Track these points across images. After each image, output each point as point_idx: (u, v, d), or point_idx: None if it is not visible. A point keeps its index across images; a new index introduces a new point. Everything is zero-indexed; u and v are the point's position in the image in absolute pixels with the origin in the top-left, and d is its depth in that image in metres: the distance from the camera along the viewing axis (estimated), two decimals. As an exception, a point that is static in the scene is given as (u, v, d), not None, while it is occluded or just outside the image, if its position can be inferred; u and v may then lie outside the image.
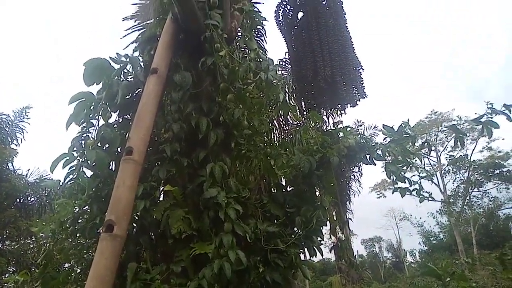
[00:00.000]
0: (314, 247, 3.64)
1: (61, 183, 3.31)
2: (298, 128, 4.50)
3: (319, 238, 3.72)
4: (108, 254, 2.35)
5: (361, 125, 20.02)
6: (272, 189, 3.97)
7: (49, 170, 2.86)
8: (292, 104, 3.77)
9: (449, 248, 33.95)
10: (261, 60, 3.71)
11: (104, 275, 2.27)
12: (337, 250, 24.81)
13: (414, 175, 3.76)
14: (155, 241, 3.24)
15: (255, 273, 3.17)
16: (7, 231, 12.78)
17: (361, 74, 4.47)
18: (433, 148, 32.99)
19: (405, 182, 3.58)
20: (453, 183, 33.13)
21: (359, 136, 3.81)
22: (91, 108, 3.19)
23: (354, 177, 24.40)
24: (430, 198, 4.03)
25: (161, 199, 3.53)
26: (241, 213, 3.31)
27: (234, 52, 3.73)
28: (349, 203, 25.63)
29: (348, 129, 3.94)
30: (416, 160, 3.75)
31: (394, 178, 3.63)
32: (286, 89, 5.17)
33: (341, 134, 3.83)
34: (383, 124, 3.95)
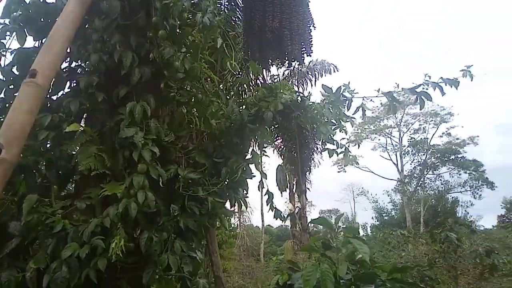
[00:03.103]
0: (238, 199, 3.61)
1: None
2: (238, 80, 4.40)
3: (244, 191, 3.69)
4: (-10, 178, 2.17)
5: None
6: (205, 138, 3.85)
7: None
8: (232, 53, 3.56)
9: (399, 225, 35.80)
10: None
11: (-18, 199, 2.10)
12: (292, 218, 25.61)
13: (343, 139, 3.75)
14: (64, 176, 3.07)
15: (166, 218, 3.09)
16: None
17: (311, 31, 4.32)
18: (396, 128, 33.96)
19: (333, 144, 3.56)
20: (410, 164, 34.49)
21: (296, 93, 3.71)
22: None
23: (317, 149, 24.88)
24: (355, 163, 4.01)
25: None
26: (162, 157, 3.20)
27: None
28: (309, 174, 26.25)
29: (287, 85, 3.84)
30: (347, 124, 3.73)
31: (324, 139, 3.61)
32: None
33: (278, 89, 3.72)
34: (322, 84, 3.87)
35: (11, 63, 3.16)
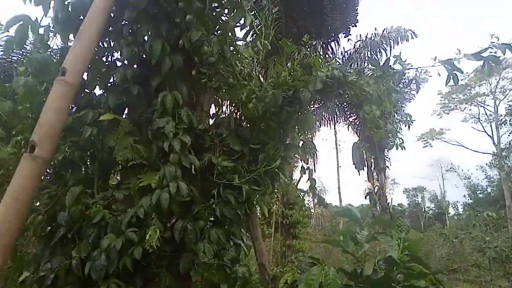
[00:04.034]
0: (277, 186, 3.46)
1: None
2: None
3: (283, 177, 3.53)
4: (26, 174, 2.33)
5: (408, 69, 18.46)
6: (242, 123, 3.73)
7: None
8: (267, 31, 3.35)
9: (496, 203, 32.26)
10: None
11: (19, 194, 2.27)
12: (371, 197, 24.60)
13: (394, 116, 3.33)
14: (106, 168, 3.21)
15: (202, 206, 3.08)
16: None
17: (355, 1, 3.89)
18: (490, 96, 30.14)
19: (378, 125, 3.19)
20: (509, 135, 30.46)
21: (337, 70, 3.37)
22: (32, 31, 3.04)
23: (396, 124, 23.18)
24: (402, 147, 3.52)
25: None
26: (196, 145, 3.19)
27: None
28: (388, 151, 24.72)
29: (327, 62, 3.51)
30: (398, 99, 3.29)
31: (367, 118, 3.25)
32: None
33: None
34: (368, 57, 3.48)
35: (58, 61, 3.35)
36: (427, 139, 36.26)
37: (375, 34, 16.40)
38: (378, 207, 23.08)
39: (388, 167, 25.28)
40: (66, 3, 3.23)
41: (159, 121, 3.01)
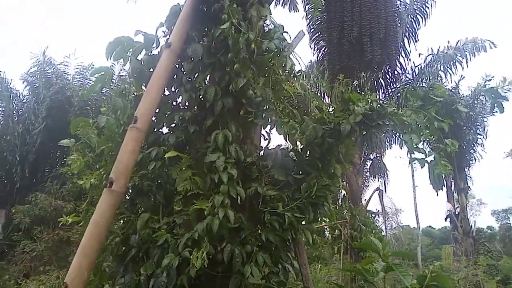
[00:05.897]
0: (320, 215, 3.71)
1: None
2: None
3: (328, 205, 3.75)
4: (105, 205, 2.92)
5: (490, 80, 17.23)
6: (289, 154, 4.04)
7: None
8: (303, 72, 3.69)
9: None
10: (272, 27, 3.73)
11: (99, 221, 2.85)
12: (452, 220, 22.79)
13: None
14: (170, 197, 3.73)
15: (248, 232, 3.44)
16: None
17: (396, 32, 4.04)
18: None
19: (413, 153, 3.29)
20: None
21: (376, 102, 3.55)
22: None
23: (476, 140, 21.34)
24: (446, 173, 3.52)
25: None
26: (244, 177, 3.59)
27: (246, 20, 3.79)
28: (468, 169, 22.78)
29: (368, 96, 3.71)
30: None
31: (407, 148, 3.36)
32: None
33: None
34: (408, 89, 3.60)
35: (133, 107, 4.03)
36: (518, 154, 32.63)
37: (448, 47, 15.62)
38: (459, 231, 21.32)
39: (469, 187, 23.26)
40: (139, 59, 3.93)
41: (211, 156, 3.47)
